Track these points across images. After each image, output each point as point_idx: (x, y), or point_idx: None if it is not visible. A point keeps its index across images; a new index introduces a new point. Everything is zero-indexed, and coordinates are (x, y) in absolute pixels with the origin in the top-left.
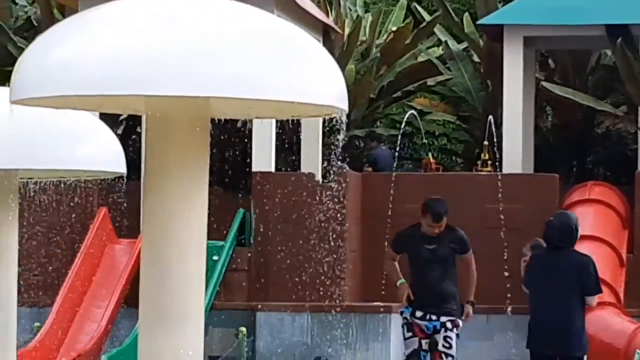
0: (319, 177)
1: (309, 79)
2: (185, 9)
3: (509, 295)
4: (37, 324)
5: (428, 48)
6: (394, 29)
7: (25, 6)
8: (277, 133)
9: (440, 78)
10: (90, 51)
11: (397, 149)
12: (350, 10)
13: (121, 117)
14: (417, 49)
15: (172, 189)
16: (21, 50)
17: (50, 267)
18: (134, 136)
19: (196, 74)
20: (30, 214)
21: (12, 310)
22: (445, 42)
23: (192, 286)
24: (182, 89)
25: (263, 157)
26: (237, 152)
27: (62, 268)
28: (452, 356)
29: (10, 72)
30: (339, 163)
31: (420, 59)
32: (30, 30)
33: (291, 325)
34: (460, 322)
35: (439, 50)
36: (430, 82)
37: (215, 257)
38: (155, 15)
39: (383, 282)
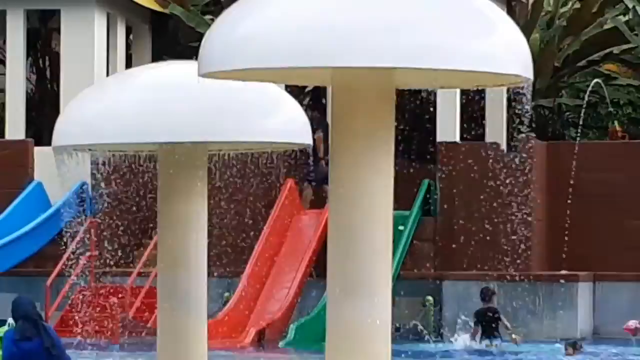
0: (503, 147)
1: (495, 48)
2: None
3: None
4: (226, 294)
5: (615, 16)
6: None
7: None
8: (461, 103)
9: (626, 46)
10: (276, 24)
11: (582, 117)
12: None
13: (307, 89)
14: (603, 17)
15: (358, 160)
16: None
17: (239, 238)
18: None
19: (382, 45)
20: (219, 186)
21: (202, 280)
22: (634, 7)
23: (379, 256)
24: (368, 60)
25: (448, 127)
26: (422, 123)
27: (250, 239)
28: None
29: (198, 47)
30: (525, 132)
31: (606, 27)
32: (217, 6)
33: (477, 294)
34: None
35: (626, 18)
36: (615, 50)
37: (401, 227)
38: None
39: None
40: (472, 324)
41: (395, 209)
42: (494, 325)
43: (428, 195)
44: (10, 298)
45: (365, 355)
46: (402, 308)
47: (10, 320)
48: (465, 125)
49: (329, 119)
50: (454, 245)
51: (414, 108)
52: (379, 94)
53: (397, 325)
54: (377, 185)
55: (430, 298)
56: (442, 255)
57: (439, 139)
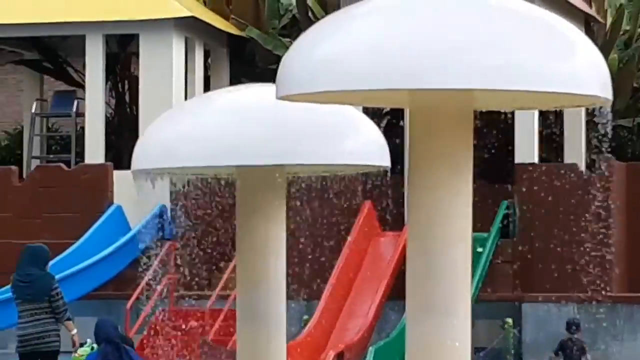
0: (583, 168)
1: (574, 68)
2: (447, 1)
3: None
4: (305, 316)
5: None
6: None
7: (290, 5)
8: (539, 123)
9: None
10: (354, 46)
11: None
12: None
13: (384, 111)
14: None
15: (437, 181)
16: (285, 49)
17: (318, 261)
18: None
19: (461, 67)
20: (297, 208)
21: (281, 303)
22: None
23: (458, 277)
24: (447, 82)
25: (526, 148)
26: (500, 144)
27: (328, 261)
28: None
29: (275, 70)
30: (604, 154)
31: None
32: (293, 28)
33: (557, 316)
34: None
35: None
36: None
37: (479, 249)
38: (418, 9)
39: None
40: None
41: (474, 230)
42: (575, 358)
43: (507, 217)
44: (91, 321)
45: None
46: (481, 330)
47: (89, 341)
48: (543, 146)
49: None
50: (533, 267)
51: (492, 129)
52: (458, 116)
53: (476, 347)
54: (455, 207)
55: (509, 320)
56: (521, 277)
57: (517, 160)
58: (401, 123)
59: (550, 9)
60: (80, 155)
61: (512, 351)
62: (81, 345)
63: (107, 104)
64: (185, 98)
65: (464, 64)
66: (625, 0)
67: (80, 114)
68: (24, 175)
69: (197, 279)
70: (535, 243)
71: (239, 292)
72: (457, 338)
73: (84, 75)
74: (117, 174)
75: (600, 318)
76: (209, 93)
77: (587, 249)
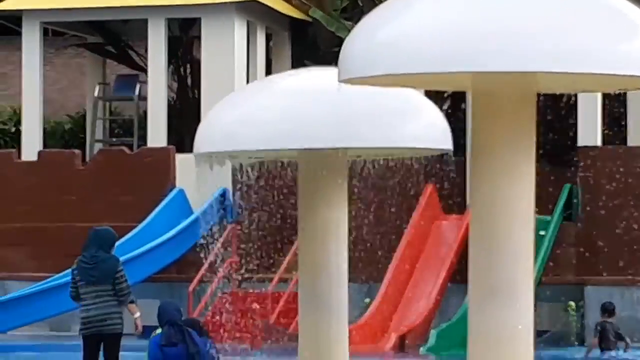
0: None
1: (637, 51)
2: None
3: None
4: (367, 299)
5: None
6: None
7: None
8: (602, 106)
9: None
10: (416, 29)
11: None
12: None
13: (446, 94)
14: None
15: (499, 165)
16: (347, 31)
17: (379, 244)
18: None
19: (523, 50)
20: (359, 191)
21: (343, 286)
22: None
23: (520, 261)
24: (509, 64)
25: (589, 131)
26: (562, 127)
27: (390, 244)
28: None
29: (337, 53)
30: None
31: None
32: (355, 10)
33: (620, 299)
34: None
35: None
36: None
37: (542, 232)
38: None
39: None
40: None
41: (536, 214)
42: (611, 339)
43: (569, 200)
44: (153, 304)
45: None
46: (544, 314)
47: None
48: (606, 128)
49: (468, 124)
50: (596, 250)
51: (555, 112)
52: (520, 99)
53: (538, 330)
54: (518, 190)
55: (572, 304)
56: (584, 260)
57: (580, 143)
58: (463, 106)
59: None
60: (143, 138)
61: (575, 334)
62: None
63: (169, 87)
64: (247, 82)
65: (527, 46)
66: None
67: (143, 98)
68: (87, 159)
69: (258, 262)
70: (599, 226)
71: (300, 275)
72: (519, 321)
73: (146, 59)
74: (180, 158)
75: None
76: (270, 77)
77: None
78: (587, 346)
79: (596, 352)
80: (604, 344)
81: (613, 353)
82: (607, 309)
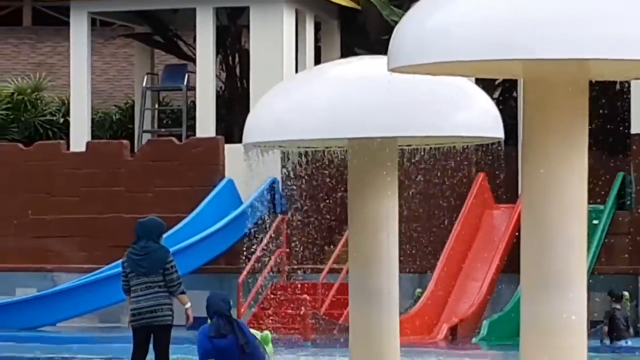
0: None
1: None
2: None
3: None
4: (418, 290)
5: None
6: None
7: None
8: None
9: None
10: (467, 17)
11: None
12: None
13: (496, 82)
14: None
15: (552, 153)
16: (398, 17)
17: (430, 234)
18: (510, 100)
19: (576, 37)
20: (409, 181)
21: (393, 277)
22: None
23: (573, 250)
24: (562, 52)
25: None
26: (615, 115)
27: (441, 234)
28: None
29: (387, 41)
30: None
31: None
32: None
33: None
34: None
35: None
36: None
37: (595, 222)
38: None
39: None
40: None
41: (589, 203)
42: (622, 327)
43: (622, 189)
44: (202, 295)
45: (560, 351)
46: (597, 304)
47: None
48: None
49: (520, 113)
50: None
51: (607, 99)
52: (573, 86)
53: (592, 321)
54: (570, 179)
55: (626, 293)
56: (637, 249)
57: (633, 130)
58: (514, 93)
59: None
60: (191, 128)
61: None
62: None
63: (218, 77)
64: (296, 71)
65: (579, 34)
66: None
67: (191, 88)
68: (136, 149)
69: (309, 252)
70: None
71: (351, 265)
72: (573, 311)
73: (194, 48)
74: (228, 148)
75: None
76: (320, 65)
77: None
78: (599, 335)
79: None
80: (615, 332)
81: (623, 342)
82: (615, 295)
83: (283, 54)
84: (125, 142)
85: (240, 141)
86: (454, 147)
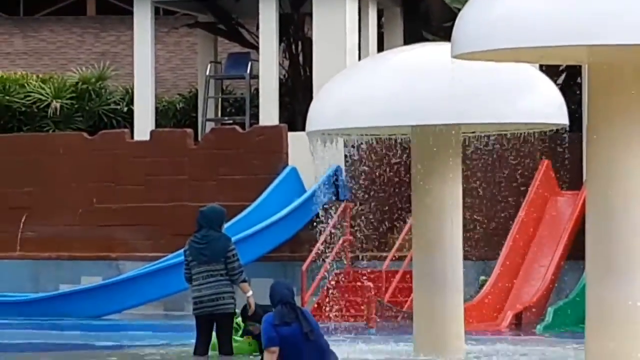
0: None
1: None
2: None
3: None
4: (482, 277)
5: None
6: None
7: None
8: None
9: None
10: (532, 4)
11: None
12: None
13: (560, 68)
14: None
15: (617, 139)
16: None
17: (494, 221)
18: (574, 87)
19: None
20: (473, 168)
21: (458, 264)
22: None
23: (639, 236)
24: (628, 37)
25: None
26: None
27: (505, 221)
28: None
29: (451, 28)
30: None
31: None
32: None
33: None
34: None
35: None
36: None
37: None
38: None
39: None
40: None
41: None
42: None
43: None
44: (267, 283)
45: (626, 338)
46: None
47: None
48: None
49: (584, 98)
50: None
51: None
52: (638, 72)
53: None
54: (636, 165)
55: None
56: None
57: None
58: (579, 80)
59: None
60: (255, 117)
61: None
62: None
63: (281, 65)
64: (359, 59)
65: None
66: None
67: (254, 76)
68: (199, 138)
69: (372, 240)
70: None
71: (415, 253)
72: (638, 298)
73: (257, 36)
74: (292, 136)
75: None
76: (383, 53)
77: None
78: None
79: None
80: None
81: None
82: None
83: (346, 41)
84: (189, 130)
85: (303, 129)
86: (519, 133)
